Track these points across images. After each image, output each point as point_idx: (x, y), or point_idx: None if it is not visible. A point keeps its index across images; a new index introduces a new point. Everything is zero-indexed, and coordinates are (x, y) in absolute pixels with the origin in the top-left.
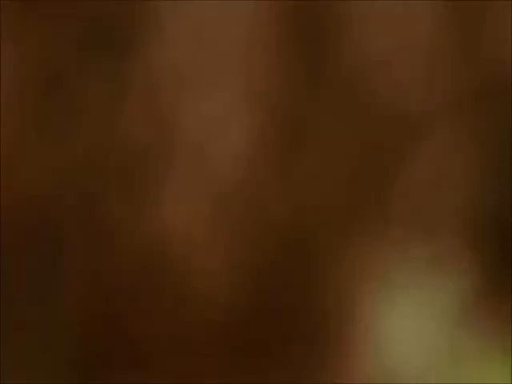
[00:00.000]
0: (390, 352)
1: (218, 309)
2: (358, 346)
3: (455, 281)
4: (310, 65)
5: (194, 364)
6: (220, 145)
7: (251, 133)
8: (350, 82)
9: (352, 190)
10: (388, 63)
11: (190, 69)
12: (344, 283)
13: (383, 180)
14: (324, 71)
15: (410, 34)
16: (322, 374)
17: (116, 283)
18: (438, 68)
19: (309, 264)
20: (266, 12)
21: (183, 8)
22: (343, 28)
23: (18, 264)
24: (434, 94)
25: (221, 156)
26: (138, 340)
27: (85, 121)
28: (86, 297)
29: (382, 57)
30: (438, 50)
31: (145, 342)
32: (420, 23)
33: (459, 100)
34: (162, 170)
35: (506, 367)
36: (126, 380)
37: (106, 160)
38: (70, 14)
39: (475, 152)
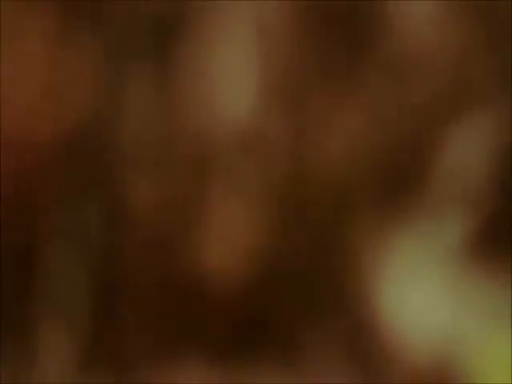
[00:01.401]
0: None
1: (233, 276)
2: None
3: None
4: (330, 24)
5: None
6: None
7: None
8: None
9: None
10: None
11: None
12: (356, 245)
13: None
14: (342, 31)
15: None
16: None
17: (130, 256)
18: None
19: (320, 223)
20: None
21: None
22: None
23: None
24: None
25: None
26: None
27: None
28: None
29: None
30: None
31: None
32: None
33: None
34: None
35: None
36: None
37: None
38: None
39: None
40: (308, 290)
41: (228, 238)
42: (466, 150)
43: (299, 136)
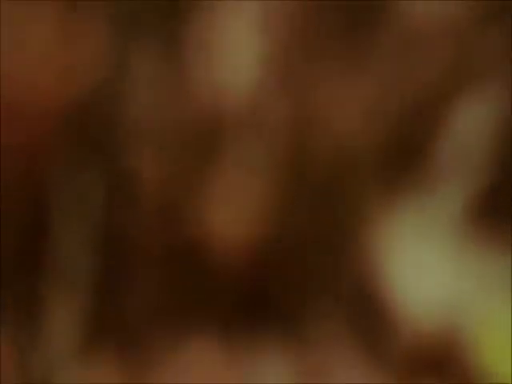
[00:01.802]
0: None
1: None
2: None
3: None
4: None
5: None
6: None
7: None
8: None
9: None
10: None
11: None
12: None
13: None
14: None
15: None
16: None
17: (135, 227)
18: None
19: (322, 194)
20: None
21: None
22: None
23: None
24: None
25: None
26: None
27: None
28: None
29: None
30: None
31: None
32: None
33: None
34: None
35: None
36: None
37: None
38: None
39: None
40: (310, 259)
41: (232, 209)
42: (468, 124)
43: (302, 109)
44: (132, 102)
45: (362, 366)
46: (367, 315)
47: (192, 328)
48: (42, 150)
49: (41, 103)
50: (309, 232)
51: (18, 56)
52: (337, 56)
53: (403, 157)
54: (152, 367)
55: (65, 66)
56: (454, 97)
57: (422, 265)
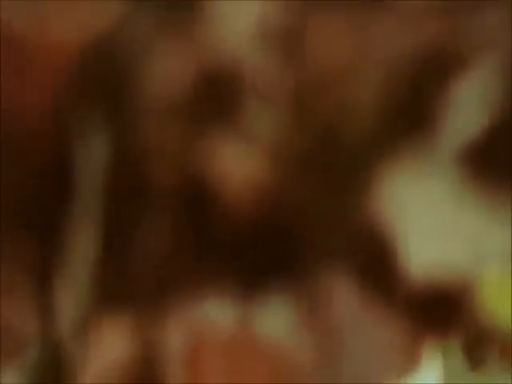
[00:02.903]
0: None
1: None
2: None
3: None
4: None
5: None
6: None
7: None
8: None
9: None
10: None
11: None
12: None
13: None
14: None
15: None
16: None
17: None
18: None
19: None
20: None
21: None
22: None
23: None
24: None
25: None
26: None
27: None
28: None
29: None
30: None
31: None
32: None
33: None
34: None
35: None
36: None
37: None
38: None
39: None
40: (315, 206)
41: (242, 156)
42: (468, 98)
43: (304, 73)
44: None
45: (366, 306)
46: (370, 259)
47: (206, 281)
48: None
49: (54, 56)
50: (314, 182)
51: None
52: (339, 20)
53: (405, 119)
54: (165, 325)
55: (79, 18)
56: (455, 69)
57: (422, 214)
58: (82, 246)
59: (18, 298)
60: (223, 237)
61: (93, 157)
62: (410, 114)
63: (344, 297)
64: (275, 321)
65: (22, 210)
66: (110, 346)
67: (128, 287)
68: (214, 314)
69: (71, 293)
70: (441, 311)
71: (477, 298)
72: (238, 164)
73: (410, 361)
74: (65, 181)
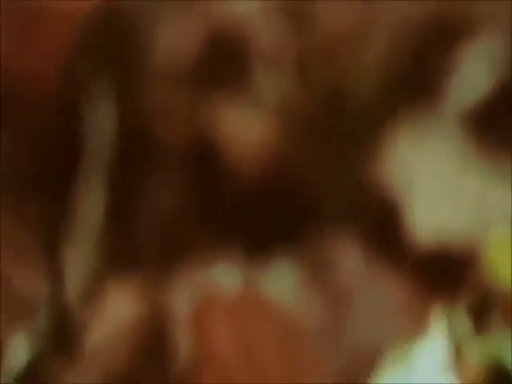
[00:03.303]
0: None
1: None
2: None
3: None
4: None
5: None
6: None
7: None
8: None
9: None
10: None
11: None
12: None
13: None
14: None
15: None
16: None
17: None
18: None
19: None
20: None
21: None
22: None
23: None
24: None
25: None
26: None
27: None
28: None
29: None
30: None
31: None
32: None
33: None
34: None
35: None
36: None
37: None
38: None
39: None
40: (321, 169)
41: (248, 118)
42: (472, 64)
43: (307, 42)
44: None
45: (372, 269)
46: (376, 222)
47: (213, 243)
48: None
49: (63, 20)
50: (319, 146)
51: None
52: None
53: (409, 84)
54: (172, 287)
55: None
56: (461, 31)
57: (427, 178)
58: (90, 209)
59: (26, 263)
60: (229, 200)
61: (101, 118)
62: (414, 80)
63: (350, 259)
64: (282, 283)
65: (30, 172)
66: (117, 308)
67: (135, 250)
68: (221, 276)
69: (79, 256)
70: (446, 274)
71: (482, 260)
72: (245, 127)
73: (417, 324)
74: (73, 143)
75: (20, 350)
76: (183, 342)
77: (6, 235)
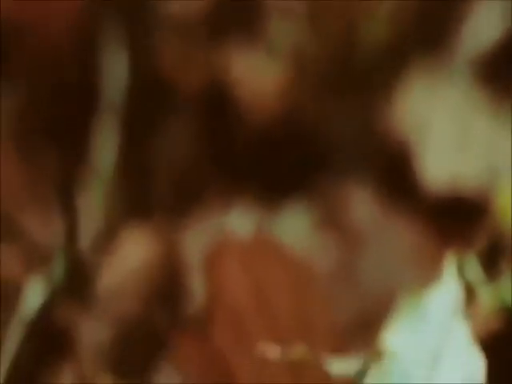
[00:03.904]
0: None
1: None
2: None
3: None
4: None
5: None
6: None
7: None
8: None
9: None
10: None
11: None
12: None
13: None
14: None
15: None
16: None
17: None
18: None
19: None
20: None
21: None
22: None
23: None
24: None
25: None
26: None
27: None
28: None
29: None
30: None
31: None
32: None
33: None
34: None
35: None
36: None
37: None
38: None
39: None
40: (333, 114)
41: (259, 65)
42: (486, 14)
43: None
44: None
45: (384, 215)
46: (388, 169)
47: (226, 189)
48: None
49: None
50: (332, 93)
51: None
52: None
53: (421, 31)
54: (186, 233)
55: None
56: None
57: (438, 125)
58: (104, 156)
59: (41, 210)
60: (242, 146)
61: (115, 67)
62: (425, 29)
63: (363, 205)
64: (294, 229)
65: (46, 121)
66: (131, 254)
67: (149, 197)
68: (234, 222)
69: (93, 203)
70: (458, 219)
71: (493, 206)
72: (258, 74)
73: (430, 269)
74: (88, 91)
75: (34, 295)
76: (196, 286)
77: (21, 183)
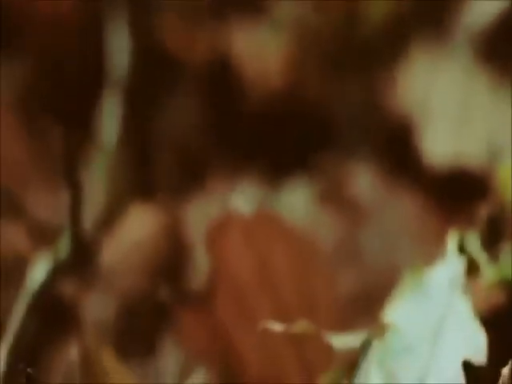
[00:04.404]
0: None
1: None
2: None
3: None
4: None
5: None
6: None
7: None
8: None
9: None
10: None
11: None
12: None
13: None
14: None
15: None
16: None
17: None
18: None
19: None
20: None
21: None
22: None
23: None
24: None
25: None
26: None
27: None
28: None
29: None
30: None
31: None
32: None
33: None
34: None
35: None
36: None
37: None
38: None
39: None
40: (336, 90)
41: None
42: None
43: None
44: None
45: (387, 190)
46: (390, 143)
47: (229, 165)
48: None
49: None
50: (334, 68)
51: None
52: None
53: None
54: (189, 209)
55: None
56: None
57: (439, 101)
58: (108, 131)
59: (46, 187)
60: (245, 120)
61: (118, 41)
62: (426, 3)
63: (365, 181)
64: (297, 205)
65: (52, 96)
66: (134, 230)
67: (152, 173)
68: (237, 197)
69: (97, 180)
70: (459, 196)
71: (495, 182)
72: (261, 48)
73: (432, 245)
74: (94, 66)
75: (39, 270)
76: (199, 262)
77: (26, 159)
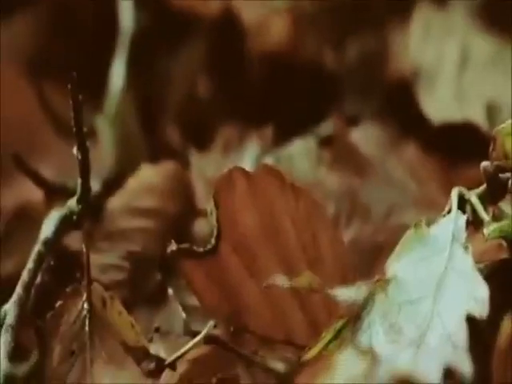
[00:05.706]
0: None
1: None
2: None
3: None
4: None
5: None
6: None
7: None
8: None
9: None
10: None
11: None
12: None
13: None
14: None
15: None
16: None
17: None
18: None
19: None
20: None
21: None
22: None
23: None
24: None
25: None
26: None
27: None
28: None
29: None
30: None
31: None
32: None
33: None
34: None
35: None
36: None
37: None
38: None
39: None
40: (341, 49)
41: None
42: None
43: None
44: None
45: (390, 143)
46: (393, 101)
47: (235, 122)
48: None
49: None
50: (336, 26)
51: None
52: None
53: None
54: (197, 163)
55: None
56: None
57: (436, 62)
58: (115, 85)
59: (57, 149)
60: (251, 76)
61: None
62: None
63: (369, 136)
64: (303, 160)
65: (65, 55)
66: (143, 176)
67: (161, 130)
68: (244, 153)
69: (106, 142)
70: (460, 154)
71: (496, 139)
72: (267, 3)
73: (434, 201)
74: (104, 22)
75: (51, 222)
76: (207, 219)
77: (39, 121)
